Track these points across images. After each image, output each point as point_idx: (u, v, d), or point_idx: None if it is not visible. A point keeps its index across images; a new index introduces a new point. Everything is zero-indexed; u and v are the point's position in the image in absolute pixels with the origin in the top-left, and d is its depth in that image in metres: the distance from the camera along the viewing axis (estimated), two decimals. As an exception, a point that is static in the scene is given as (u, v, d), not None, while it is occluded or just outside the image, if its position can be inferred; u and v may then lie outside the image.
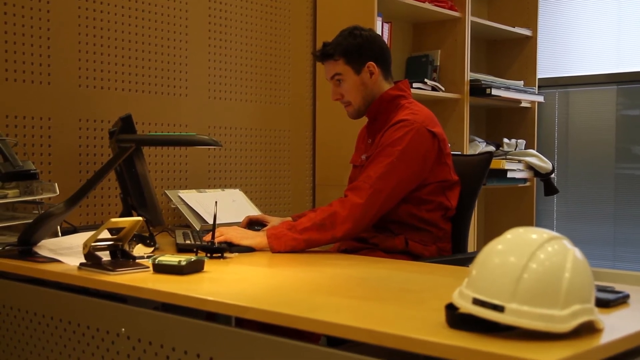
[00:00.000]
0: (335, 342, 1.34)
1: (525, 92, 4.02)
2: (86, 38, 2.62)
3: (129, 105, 2.72)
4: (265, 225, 2.41)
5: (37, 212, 2.17)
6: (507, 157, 3.90)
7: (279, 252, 2.07)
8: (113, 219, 1.74)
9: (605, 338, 1.12)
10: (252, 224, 2.48)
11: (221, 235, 2.09)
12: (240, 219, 2.53)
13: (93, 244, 1.74)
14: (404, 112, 2.29)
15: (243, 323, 1.46)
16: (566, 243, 1.17)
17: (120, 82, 2.72)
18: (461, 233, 2.42)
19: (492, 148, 3.91)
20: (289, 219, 2.44)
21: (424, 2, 3.53)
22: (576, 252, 1.16)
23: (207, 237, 2.01)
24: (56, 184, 2.16)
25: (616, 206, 4.01)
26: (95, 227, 2.10)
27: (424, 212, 2.27)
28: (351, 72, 2.33)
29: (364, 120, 2.45)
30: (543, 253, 1.13)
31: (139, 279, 1.64)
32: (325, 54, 2.36)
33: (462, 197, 2.36)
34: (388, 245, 2.27)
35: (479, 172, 2.46)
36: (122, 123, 2.09)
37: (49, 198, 2.22)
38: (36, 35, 2.49)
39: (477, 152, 3.72)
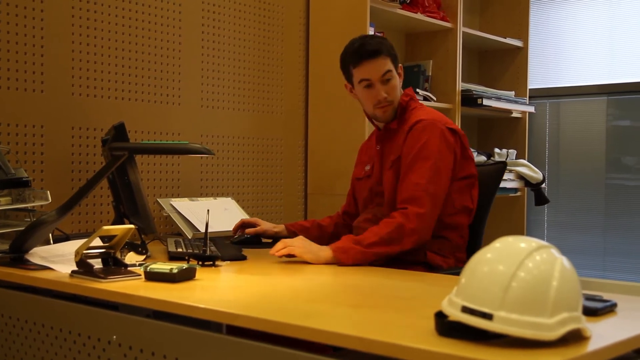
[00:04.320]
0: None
1: (516, 102, 4.04)
2: (80, 46, 2.62)
3: (121, 113, 2.72)
4: (255, 227, 2.46)
5: (29, 219, 2.17)
6: (498, 167, 3.91)
7: (346, 265, 2.02)
8: (105, 227, 1.75)
9: (593, 346, 1.14)
10: (245, 226, 2.50)
11: (285, 246, 2.05)
12: (232, 227, 2.55)
13: (85, 251, 1.74)
14: (420, 113, 2.29)
15: (235, 331, 1.47)
16: (554, 252, 1.18)
17: (114, 91, 2.73)
18: (475, 245, 2.38)
19: (483, 158, 3.92)
20: (282, 226, 2.49)
21: (416, 12, 3.55)
22: (564, 261, 1.17)
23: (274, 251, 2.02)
24: (48, 192, 2.16)
25: (606, 216, 4.03)
26: (87, 234, 2.10)
27: (447, 216, 2.24)
28: (394, 72, 2.29)
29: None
30: (531, 262, 1.14)
31: (131, 286, 1.65)
32: (376, 50, 2.25)
33: (476, 209, 2.34)
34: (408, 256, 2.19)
35: (493, 182, 2.44)
36: (115, 131, 2.10)
37: (41, 206, 2.22)
38: (29, 43, 2.49)
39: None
